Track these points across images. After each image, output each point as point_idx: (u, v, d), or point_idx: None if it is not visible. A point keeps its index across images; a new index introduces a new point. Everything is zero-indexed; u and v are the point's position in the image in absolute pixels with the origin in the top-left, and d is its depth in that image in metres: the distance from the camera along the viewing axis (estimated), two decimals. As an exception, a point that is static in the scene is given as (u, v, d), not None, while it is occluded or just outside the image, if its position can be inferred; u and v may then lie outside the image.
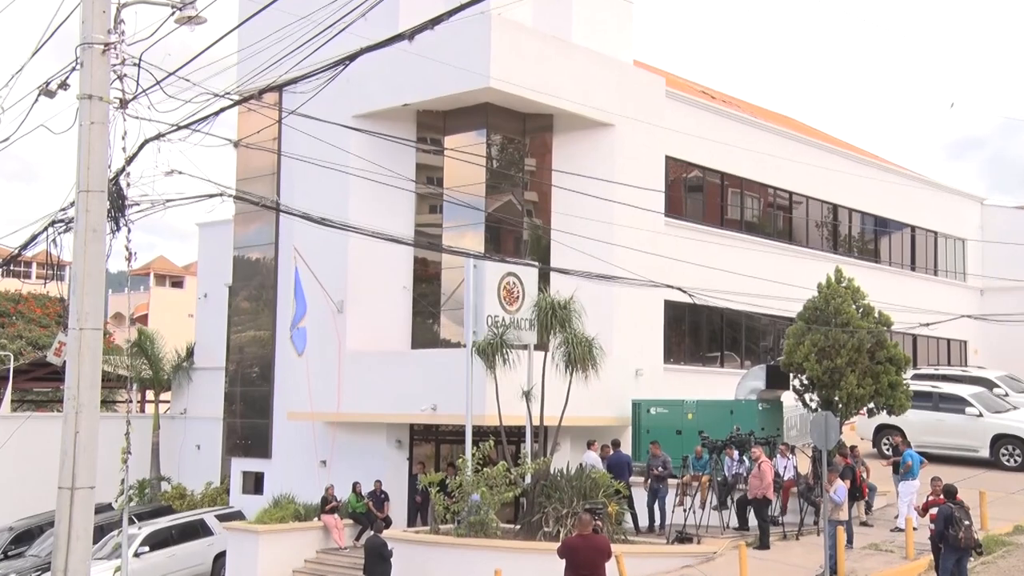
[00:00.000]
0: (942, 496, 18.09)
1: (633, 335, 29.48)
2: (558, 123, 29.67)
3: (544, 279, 26.82)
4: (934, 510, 18.23)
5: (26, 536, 32.11)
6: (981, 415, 29.44)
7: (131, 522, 27.52)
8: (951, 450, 29.50)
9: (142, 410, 41.04)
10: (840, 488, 20.30)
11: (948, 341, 44.11)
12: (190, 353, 38.84)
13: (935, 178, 48.75)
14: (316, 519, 27.09)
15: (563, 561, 14.93)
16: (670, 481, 24.07)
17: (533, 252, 29.39)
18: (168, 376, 38.43)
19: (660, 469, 24.15)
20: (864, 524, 23.61)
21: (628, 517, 23.43)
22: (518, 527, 22.11)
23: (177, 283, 75.03)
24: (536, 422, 23.74)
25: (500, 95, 27.39)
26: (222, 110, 12.61)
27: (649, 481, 24.08)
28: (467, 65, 25.98)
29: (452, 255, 26.78)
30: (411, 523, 27.63)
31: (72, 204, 11.74)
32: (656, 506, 23.98)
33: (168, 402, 39.94)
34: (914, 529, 20.73)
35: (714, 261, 29.60)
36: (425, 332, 29.67)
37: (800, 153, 36.74)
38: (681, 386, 29.67)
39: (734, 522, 23.33)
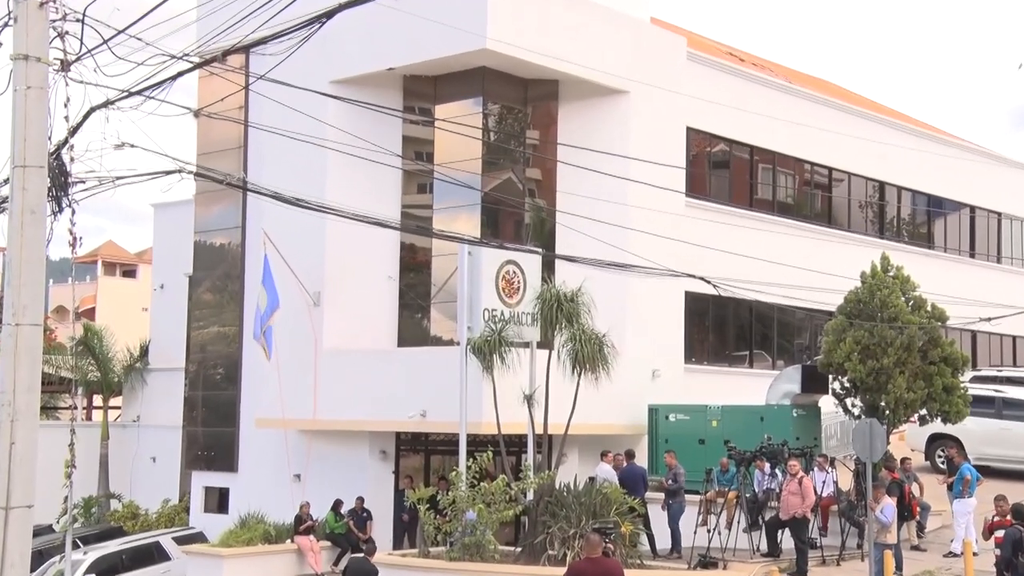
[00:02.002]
0: (1009, 517, 18.04)
1: (650, 331, 29.46)
2: (564, 90, 29.59)
3: (548, 268, 26.78)
4: (999, 533, 18.18)
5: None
6: (1051, 423, 29.41)
7: (75, 546, 27.53)
8: (1017, 463, 29.44)
9: (89, 418, 41.08)
10: (887, 507, 20.30)
11: (1013, 338, 44.09)
12: (144, 352, 38.83)
13: (998, 150, 48.69)
14: (289, 541, 27.10)
15: (569, 588, 14.90)
16: (687, 497, 24.08)
17: (536, 237, 29.34)
18: (119, 378, 38.44)
19: (670, 482, 24.14)
20: (915, 548, 23.61)
21: (644, 538, 23.42)
22: (519, 550, 22.11)
23: (129, 272, 75.01)
24: (539, 430, 23.72)
25: (498, 58, 27.31)
26: (180, 74, 12.54)
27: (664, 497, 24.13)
28: (460, 24, 25.92)
29: (444, 240, 26.74)
30: (397, 545, 27.64)
31: (6, 181, 11.67)
32: (668, 525, 24.01)
33: (119, 408, 39.95)
34: (974, 554, 20.71)
35: (742, 247, 29.54)
36: (413, 328, 29.64)
37: (841, 123, 36.68)
38: (704, 389, 29.66)
39: (765, 545, 23.31)
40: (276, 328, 28.47)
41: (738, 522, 23.49)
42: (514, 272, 25.02)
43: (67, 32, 11.37)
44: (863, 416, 24.75)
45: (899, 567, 20.99)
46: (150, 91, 12.36)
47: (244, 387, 32.70)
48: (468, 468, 22.76)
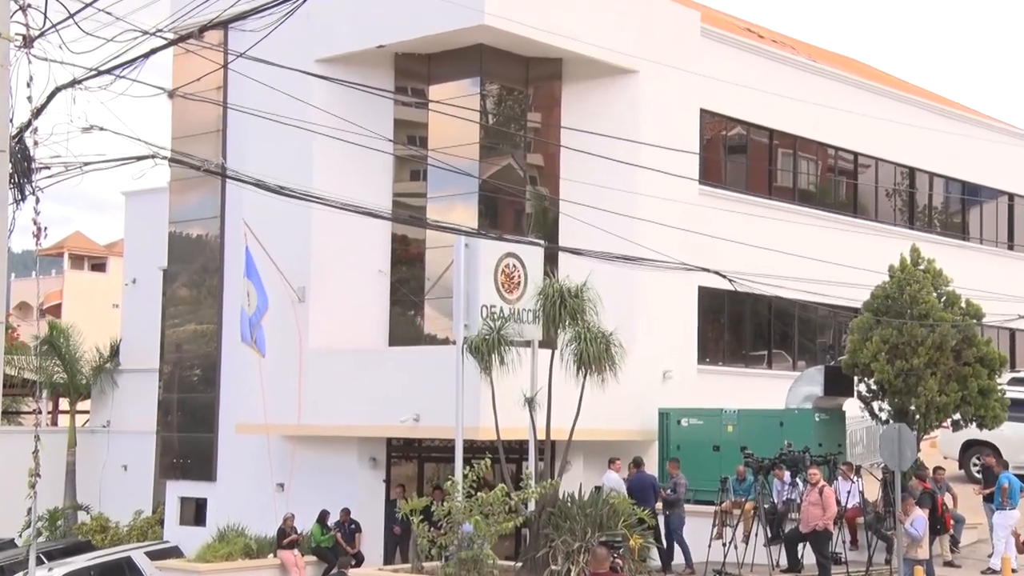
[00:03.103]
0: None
1: (660, 329, 29.46)
2: (568, 69, 29.58)
3: (551, 261, 26.77)
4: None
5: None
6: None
7: (40, 562, 27.55)
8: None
9: (54, 423, 41.04)
10: (918, 519, 20.30)
11: (1055, 337, 44.05)
12: (114, 352, 38.80)
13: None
14: (272, 556, 27.10)
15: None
16: (700, 507, 24.13)
17: (538, 228, 29.33)
18: (87, 381, 38.39)
19: (669, 492, 24.18)
20: (949, 564, 23.63)
21: (654, 552, 23.44)
22: (519, 564, 22.14)
23: (98, 266, 75.03)
24: (541, 436, 23.73)
25: (497, 34, 27.30)
26: (153, 51, 12.55)
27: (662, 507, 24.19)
28: (456, -3, 25.90)
29: (439, 231, 26.73)
30: (388, 560, 27.66)
31: (-34, 167, 11.67)
32: (667, 538, 24.04)
33: (87, 413, 39.90)
34: (1012, 571, 20.74)
35: (760, 238, 29.55)
36: (406, 326, 29.64)
37: (868, 104, 36.63)
38: (719, 392, 29.66)
39: (785, 560, 23.33)
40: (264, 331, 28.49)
41: (756, 535, 23.51)
42: (514, 266, 25.01)
43: (29, 5, 11.38)
44: (891, 421, 24.76)
45: (930, 584, 21.03)
46: (120, 70, 12.37)
47: (223, 390, 32.68)
48: (465, 476, 22.76)
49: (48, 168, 12.45)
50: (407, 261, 29.89)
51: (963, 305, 25.57)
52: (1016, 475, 24.35)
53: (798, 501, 23.12)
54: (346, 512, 27.75)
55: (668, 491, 24.28)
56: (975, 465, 29.38)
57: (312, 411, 28.42)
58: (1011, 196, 43.79)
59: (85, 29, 11.81)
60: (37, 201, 11.95)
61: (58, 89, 12.31)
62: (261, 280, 28.40)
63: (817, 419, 26.71)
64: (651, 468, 26.49)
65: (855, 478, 23.87)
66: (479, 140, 28.39)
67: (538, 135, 29.99)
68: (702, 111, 31.62)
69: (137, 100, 13.49)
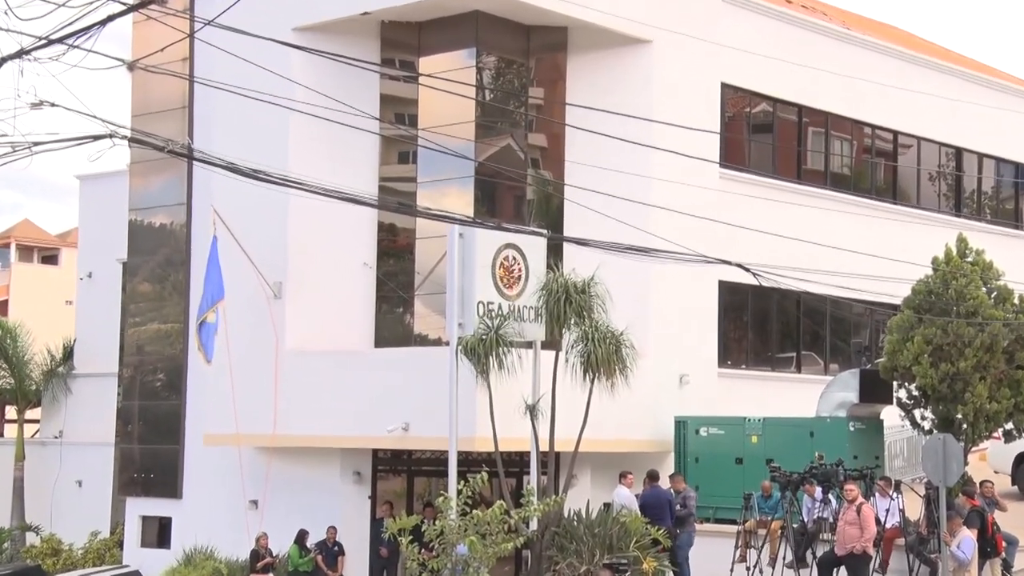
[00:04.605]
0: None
1: (677, 329, 29.49)
2: (575, 39, 29.58)
3: (556, 253, 26.79)
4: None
5: None
6: None
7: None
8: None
9: (0, 434, 41.02)
10: (966, 540, 20.33)
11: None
12: (68, 354, 38.82)
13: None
14: (244, 581, 27.14)
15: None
16: (721, 527, 24.16)
17: (540, 216, 29.35)
18: (37, 386, 38.42)
19: (679, 507, 24.22)
20: (999, 590, 23.64)
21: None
22: (520, 591, 22.16)
23: (49, 258, 74.90)
24: (544, 447, 23.75)
25: (494, 1, 27.29)
26: (111, 18, 12.54)
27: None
28: (450, -42, 25.96)
29: (430, 220, 26.74)
30: (374, 586, 27.72)
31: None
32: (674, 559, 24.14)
33: (37, 422, 39.93)
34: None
35: (788, 227, 29.57)
36: (393, 325, 29.67)
37: (909, 77, 36.61)
38: (742, 398, 29.71)
39: (816, 585, 23.38)
40: (230, 326, 28.46)
41: (783, 558, 23.55)
42: (514, 258, 25.02)
43: (-29, -35, 11.38)
44: (935, 431, 24.78)
45: (979, 612, 21.06)
46: (74, 38, 12.37)
47: (190, 396, 32.71)
48: (459, 492, 22.72)
49: (-6, 149, 12.46)
50: (395, 253, 29.91)
51: (1016, 302, 25.58)
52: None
53: (831, 520, 23.12)
54: (332, 530, 27.77)
55: (679, 506, 24.29)
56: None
57: (289, 420, 28.43)
58: (1070, 180, 43.77)
59: (35, -7, 11.82)
60: (-19, 186, 11.96)
61: (3, 60, 12.32)
62: (220, 272, 28.34)
63: (852, 429, 26.73)
64: (666, 482, 26.52)
65: (894, 495, 23.87)
66: (475, 118, 28.39)
67: (541, 113, 29.98)
68: (723, 85, 31.62)
69: (93, 73, 13.49)
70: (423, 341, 28.73)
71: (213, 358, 28.54)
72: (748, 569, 23.25)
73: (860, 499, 22.36)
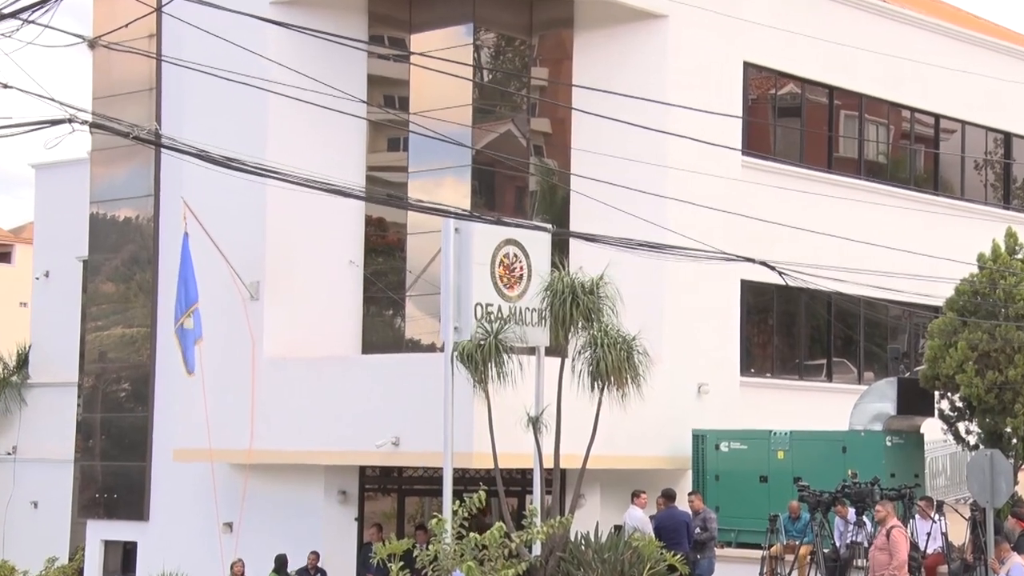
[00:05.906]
0: None
1: (694, 333, 29.50)
2: (582, 13, 29.60)
3: (561, 249, 26.80)
4: None
5: None
6: None
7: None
8: None
9: (-52, 449, 41.07)
10: (1016, 567, 20.31)
11: None
12: (23, 362, 38.84)
13: None
14: (217, 612, 27.16)
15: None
16: (743, 553, 24.17)
17: (544, 209, 29.35)
18: (-13, 397, 38.46)
19: (698, 530, 24.20)
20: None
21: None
22: (522, 622, 22.13)
23: (2, 255, 75.03)
24: (548, 463, 23.73)
25: (494, -30, 27.40)
26: (69, -10, 12.53)
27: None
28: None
29: (423, 214, 26.74)
30: (361, 616, 27.73)
31: None
32: None
33: (-12, 436, 39.97)
34: None
35: (818, 221, 29.57)
36: (382, 329, 29.68)
37: (953, 55, 36.57)
38: (767, 410, 29.72)
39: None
40: (202, 330, 28.45)
41: (813, 586, 23.58)
42: (515, 255, 25.03)
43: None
44: (981, 446, 24.75)
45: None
46: (28, 13, 12.36)
47: (157, 408, 32.70)
48: (455, 513, 22.71)
49: (-60, 135, 12.46)
50: (384, 250, 29.92)
51: (1071, 303, 25.58)
52: None
53: (865, 545, 23.12)
54: (315, 556, 27.77)
55: (698, 529, 24.29)
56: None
57: (267, 434, 28.44)
58: None
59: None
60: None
61: (-48, 37, 12.32)
62: (194, 271, 28.32)
63: (889, 443, 26.73)
64: (683, 503, 26.53)
65: (936, 517, 23.89)
66: (472, 101, 28.41)
67: (545, 95, 29.99)
68: (746, 64, 31.64)
69: (50, 51, 13.49)
70: (415, 347, 28.74)
71: (194, 370, 28.48)
72: (774, 597, 23.27)
73: (892, 521, 22.31)
